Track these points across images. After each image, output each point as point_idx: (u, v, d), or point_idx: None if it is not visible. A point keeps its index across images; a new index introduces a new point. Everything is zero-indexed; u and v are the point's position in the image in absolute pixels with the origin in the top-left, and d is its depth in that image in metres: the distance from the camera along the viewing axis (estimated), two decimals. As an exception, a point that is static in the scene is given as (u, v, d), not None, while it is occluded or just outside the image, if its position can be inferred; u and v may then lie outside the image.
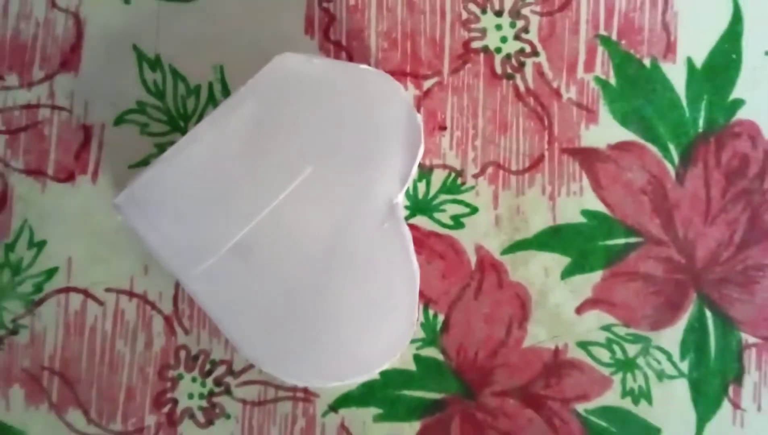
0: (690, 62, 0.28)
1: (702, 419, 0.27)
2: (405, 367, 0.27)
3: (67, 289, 0.27)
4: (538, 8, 0.27)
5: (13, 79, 0.27)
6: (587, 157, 0.28)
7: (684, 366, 0.27)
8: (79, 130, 0.27)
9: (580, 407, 0.27)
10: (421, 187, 0.27)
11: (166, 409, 0.26)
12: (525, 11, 0.27)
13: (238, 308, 0.24)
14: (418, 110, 0.28)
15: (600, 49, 0.28)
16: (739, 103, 0.28)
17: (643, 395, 0.27)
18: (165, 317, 0.27)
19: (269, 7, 0.27)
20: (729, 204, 0.27)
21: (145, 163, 0.27)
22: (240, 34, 0.27)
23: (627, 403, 0.27)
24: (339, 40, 0.27)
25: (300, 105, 0.24)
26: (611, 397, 0.27)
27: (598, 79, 0.28)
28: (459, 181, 0.28)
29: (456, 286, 0.27)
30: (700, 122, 0.28)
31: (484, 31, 0.27)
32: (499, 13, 0.28)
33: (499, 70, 0.28)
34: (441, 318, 0.27)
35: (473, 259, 0.27)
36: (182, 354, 0.26)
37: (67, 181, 0.27)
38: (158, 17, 0.28)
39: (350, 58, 0.27)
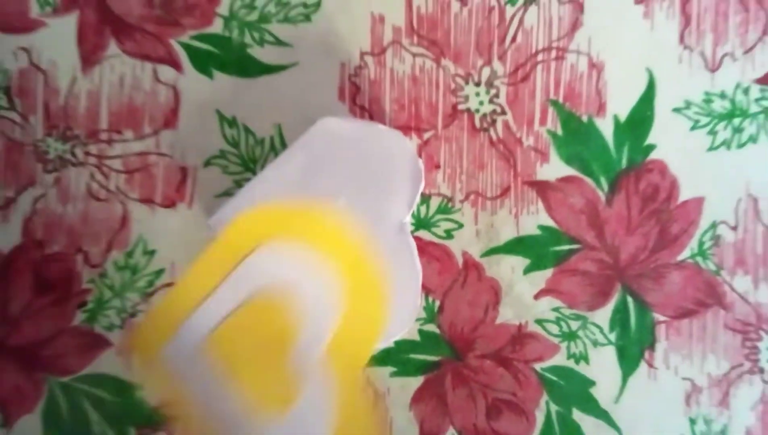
0: (616, 118, 0.33)
1: (625, 375, 0.33)
2: (412, 338, 0.33)
3: (171, 284, 0.33)
4: (505, 80, 0.33)
5: (129, 134, 0.33)
6: (541, 188, 0.33)
7: (612, 337, 0.33)
8: (178, 171, 0.33)
9: (537, 366, 0.33)
10: (423, 209, 0.33)
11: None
12: (497, 82, 0.33)
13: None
14: (420, 155, 0.33)
15: (550, 109, 0.33)
16: (651, 147, 0.33)
17: (583, 357, 0.33)
18: None
19: (312, 82, 0.33)
20: (644, 220, 0.33)
21: (227, 194, 0.33)
22: (292, 101, 0.33)
23: (571, 363, 0.33)
24: (363, 105, 0.33)
25: (337, 155, 0.30)
26: (560, 359, 0.33)
27: (549, 131, 0.33)
28: (449, 205, 0.33)
29: (448, 280, 0.33)
30: (623, 161, 0.33)
31: (467, 97, 0.33)
32: (477, 84, 0.33)
33: (478, 125, 0.33)
34: (437, 303, 0.33)
35: (460, 261, 0.33)
36: None
37: (170, 207, 0.33)
38: (234, 90, 0.33)
39: (371, 118, 0.33)
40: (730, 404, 0.33)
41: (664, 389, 0.33)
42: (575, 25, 0.34)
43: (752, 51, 0.34)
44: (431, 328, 0.33)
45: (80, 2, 0.33)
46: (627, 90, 0.34)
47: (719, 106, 0.33)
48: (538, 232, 0.33)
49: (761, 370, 0.33)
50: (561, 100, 0.34)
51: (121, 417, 0.33)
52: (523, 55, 0.34)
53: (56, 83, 0.33)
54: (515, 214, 0.33)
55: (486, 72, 0.33)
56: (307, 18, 0.33)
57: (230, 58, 0.33)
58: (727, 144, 0.33)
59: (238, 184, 0.33)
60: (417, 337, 0.33)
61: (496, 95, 0.34)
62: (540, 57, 0.34)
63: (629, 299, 0.33)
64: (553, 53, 0.34)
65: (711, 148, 0.33)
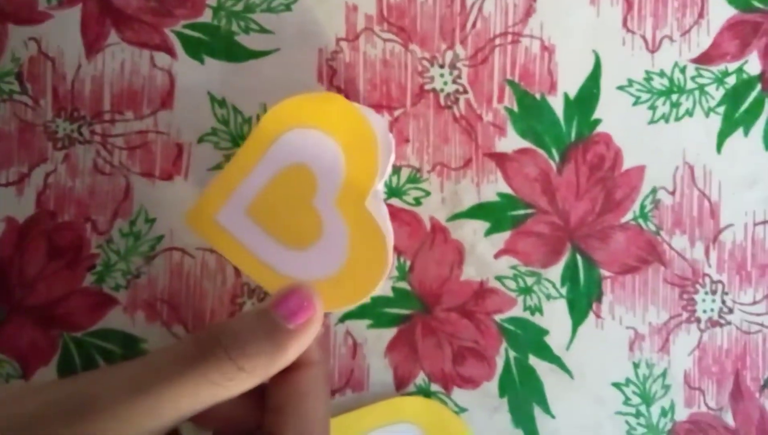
0: (566, 95, 0.36)
1: (575, 325, 0.36)
2: (386, 295, 0.36)
3: (171, 249, 0.35)
4: (467, 62, 0.36)
5: (130, 114, 0.36)
6: (500, 159, 0.36)
7: (563, 291, 0.36)
8: (174, 147, 0.36)
9: (497, 317, 0.36)
10: (394, 179, 0.36)
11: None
12: (459, 64, 0.36)
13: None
14: (391, 130, 0.35)
15: (507, 88, 0.36)
16: (598, 122, 0.36)
17: (538, 309, 0.36)
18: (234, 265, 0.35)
19: (293, 66, 0.35)
20: (591, 187, 0.36)
21: (218, 167, 0.35)
22: (275, 83, 0.35)
23: (527, 315, 0.36)
24: (339, 85, 0.35)
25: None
26: (517, 311, 0.36)
27: (506, 108, 0.36)
28: (418, 175, 0.36)
29: (417, 242, 0.36)
30: (573, 134, 0.36)
31: (432, 78, 0.36)
32: (442, 66, 0.36)
33: (442, 103, 0.36)
34: (408, 263, 0.36)
35: (428, 225, 0.36)
36: (245, 288, 0.35)
37: (168, 179, 0.36)
38: (224, 73, 0.36)
39: (347, 98, 0.34)
40: (669, 350, 0.36)
41: (610, 337, 0.36)
42: (529, 12, 0.37)
43: (688, 33, 0.37)
44: (403, 285, 0.36)
45: (84, -4, 0.36)
46: (575, 70, 0.36)
47: (658, 83, 0.37)
48: (497, 198, 0.36)
49: (698, 320, 0.36)
50: (517, 79, 0.36)
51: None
52: (482, 40, 0.36)
53: (63, 69, 0.36)
54: (476, 183, 0.36)
55: (449, 55, 0.36)
56: (288, 8, 0.36)
57: (219, 45, 0.36)
58: (665, 118, 0.36)
59: (228, 159, 0.36)
60: (390, 294, 0.36)
61: (459, 76, 0.36)
62: (497, 41, 0.37)
63: (578, 257, 0.36)
64: (509, 38, 0.37)
65: (651, 122, 0.36)
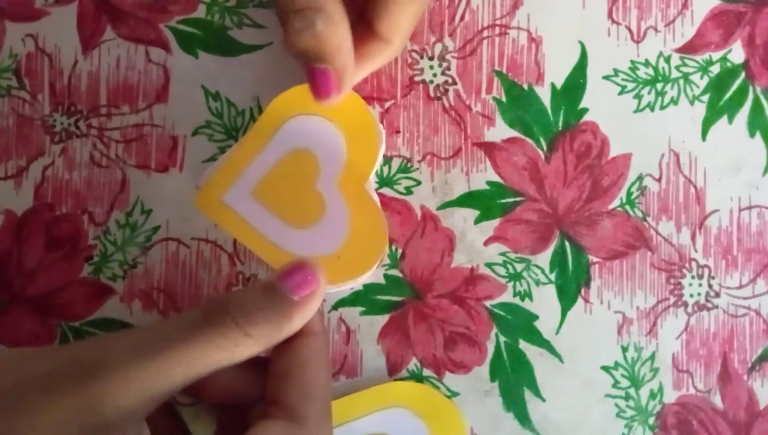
0: (553, 85, 0.37)
1: (564, 309, 0.36)
2: (378, 282, 0.36)
3: (166, 239, 0.36)
4: (456, 54, 0.37)
5: (126, 108, 0.37)
6: (489, 148, 0.37)
7: (552, 276, 0.36)
8: (169, 140, 0.36)
9: (488, 303, 0.36)
10: (386, 169, 0.36)
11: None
12: (448, 56, 0.37)
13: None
14: (382, 121, 0.36)
15: (495, 79, 0.37)
16: (584, 111, 0.36)
17: (527, 295, 0.36)
18: (228, 254, 0.36)
19: (285, 59, 0.35)
20: (579, 174, 0.36)
21: (212, 159, 0.36)
22: (268, 77, 0.36)
23: (517, 300, 0.36)
24: None
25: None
26: (507, 297, 0.36)
27: (494, 99, 0.37)
28: (409, 165, 0.36)
29: (409, 230, 0.36)
30: (560, 123, 0.36)
31: (422, 70, 0.36)
32: (431, 58, 0.36)
33: (432, 94, 0.37)
34: (400, 251, 0.36)
35: (419, 213, 0.36)
36: (240, 277, 0.36)
37: (163, 171, 0.36)
38: (217, 67, 0.36)
39: None
40: (657, 334, 0.37)
41: (599, 321, 0.37)
42: (516, 5, 0.37)
43: (672, 24, 0.38)
44: (395, 272, 0.37)
45: (80, -7, 0.37)
46: (562, 61, 0.37)
47: (644, 73, 0.37)
48: (486, 187, 0.37)
49: (685, 304, 0.37)
50: (504, 70, 0.37)
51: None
52: (471, 32, 0.37)
53: (60, 65, 0.37)
54: (466, 172, 0.37)
55: (438, 47, 0.37)
56: (280, 3, 0.37)
57: (213, 40, 0.37)
58: (651, 106, 0.37)
59: (222, 150, 0.37)
60: (383, 281, 0.37)
61: (448, 68, 0.37)
62: (485, 33, 0.37)
63: (567, 244, 0.37)
64: (497, 30, 0.37)
65: (637, 110, 0.37)
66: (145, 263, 0.37)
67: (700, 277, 0.37)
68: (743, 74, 0.37)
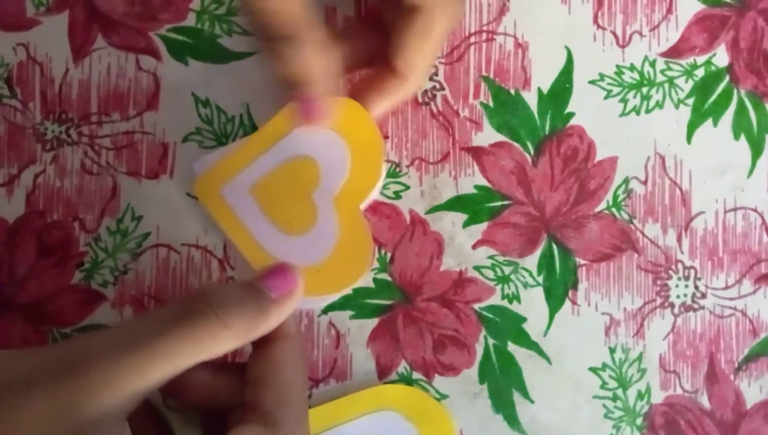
0: (539, 90, 0.37)
1: (552, 311, 0.37)
2: (368, 286, 0.36)
3: (157, 245, 0.36)
4: (443, 60, 0.37)
5: (117, 115, 0.37)
6: (476, 153, 0.37)
7: (540, 279, 0.37)
8: (160, 147, 0.37)
9: (476, 306, 0.36)
10: None
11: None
12: (436, 62, 0.37)
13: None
14: None
15: (483, 84, 0.37)
16: (571, 115, 0.37)
17: (515, 298, 0.36)
18: (219, 260, 0.36)
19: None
20: (566, 178, 0.37)
21: None
22: (258, 83, 0.36)
23: (505, 303, 0.36)
24: None
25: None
26: (495, 299, 0.36)
27: (482, 104, 0.37)
28: (397, 169, 0.37)
29: (398, 234, 0.37)
30: (547, 128, 0.37)
31: None
32: None
33: (420, 100, 0.37)
34: (389, 255, 0.37)
35: (408, 218, 0.37)
36: (230, 282, 0.36)
37: (154, 178, 0.37)
38: (207, 74, 0.37)
39: None
40: (644, 335, 0.37)
41: (586, 323, 0.37)
42: (502, 11, 0.38)
43: (657, 28, 0.38)
44: (384, 276, 0.37)
45: (70, 2, 0.37)
46: (548, 66, 0.37)
47: (629, 77, 0.38)
48: (474, 191, 0.37)
49: (671, 305, 0.37)
50: (491, 76, 0.38)
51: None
52: (458, 38, 0.38)
53: (51, 73, 0.37)
54: (454, 176, 0.37)
55: None
56: (269, 10, 0.38)
57: (203, 47, 0.37)
58: (636, 110, 0.38)
59: None
60: (372, 285, 0.37)
61: (435, 73, 0.38)
62: (472, 39, 0.38)
63: (554, 246, 0.37)
64: (484, 35, 0.38)
65: (622, 114, 0.38)
66: (136, 269, 0.37)
67: (687, 278, 0.37)
68: (727, 77, 0.38)
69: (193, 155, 0.37)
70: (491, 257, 0.37)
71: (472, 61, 0.38)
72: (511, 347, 0.37)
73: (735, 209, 0.38)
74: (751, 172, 0.38)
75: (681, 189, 0.37)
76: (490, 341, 0.37)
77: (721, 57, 0.38)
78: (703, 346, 0.37)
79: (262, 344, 0.29)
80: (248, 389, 0.29)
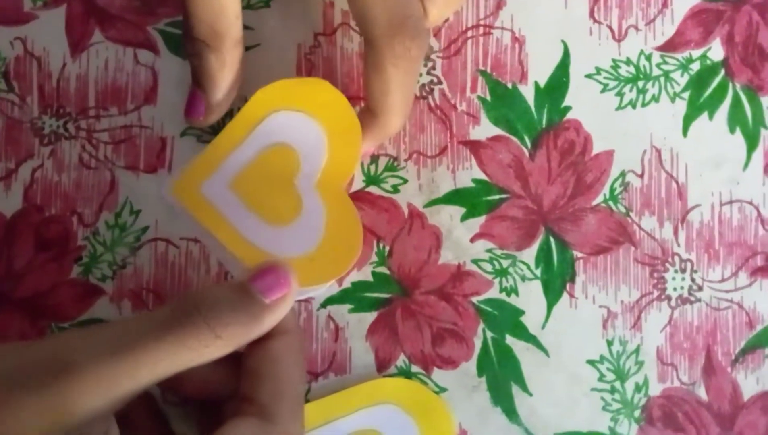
0: (536, 84, 0.37)
1: (550, 304, 0.37)
2: (366, 279, 0.37)
3: (155, 239, 0.36)
4: (441, 54, 0.37)
5: (114, 110, 0.37)
6: (474, 146, 0.37)
7: (538, 272, 0.37)
8: (158, 141, 0.37)
9: (475, 299, 0.36)
10: (373, 168, 0.37)
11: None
12: (433, 56, 0.37)
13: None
14: None
15: (480, 78, 0.37)
16: (568, 109, 0.37)
17: (513, 291, 0.37)
18: None
19: (273, 60, 0.37)
20: (563, 171, 0.37)
21: None
22: (256, 77, 0.36)
23: (503, 296, 0.37)
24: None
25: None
26: (493, 293, 0.37)
27: (479, 97, 0.37)
28: (395, 163, 0.37)
29: (396, 228, 0.37)
30: (544, 121, 0.37)
31: None
32: None
33: (418, 93, 0.37)
34: (387, 248, 0.37)
35: (406, 211, 0.37)
36: (228, 276, 0.36)
37: (152, 172, 0.36)
38: None
39: None
40: (642, 327, 0.37)
41: (584, 316, 0.37)
42: (499, 5, 0.38)
43: (653, 22, 0.38)
44: (382, 269, 0.37)
45: (68, -4, 0.37)
46: (545, 60, 0.38)
47: (625, 71, 0.38)
48: (472, 184, 0.37)
49: (668, 298, 0.37)
50: (489, 70, 0.38)
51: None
52: (455, 33, 0.38)
53: (49, 68, 0.37)
54: (452, 170, 0.37)
55: None
56: (267, 4, 0.37)
57: (200, 42, 0.37)
58: (632, 103, 0.38)
59: None
60: (370, 278, 0.37)
61: (433, 68, 0.38)
62: (470, 33, 0.38)
63: (551, 239, 0.37)
64: (481, 30, 0.38)
65: (619, 108, 0.38)
66: (135, 264, 0.37)
67: (683, 271, 0.37)
68: (723, 71, 0.38)
69: (192, 149, 0.37)
70: (489, 250, 0.37)
71: (469, 55, 0.38)
72: (510, 340, 0.37)
73: (731, 202, 0.38)
74: (746, 165, 0.38)
75: (677, 182, 0.38)
76: (489, 334, 0.37)
77: (716, 51, 0.38)
78: (700, 339, 0.37)
79: (260, 338, 0.29)
80: (244, 381, 0.29)
